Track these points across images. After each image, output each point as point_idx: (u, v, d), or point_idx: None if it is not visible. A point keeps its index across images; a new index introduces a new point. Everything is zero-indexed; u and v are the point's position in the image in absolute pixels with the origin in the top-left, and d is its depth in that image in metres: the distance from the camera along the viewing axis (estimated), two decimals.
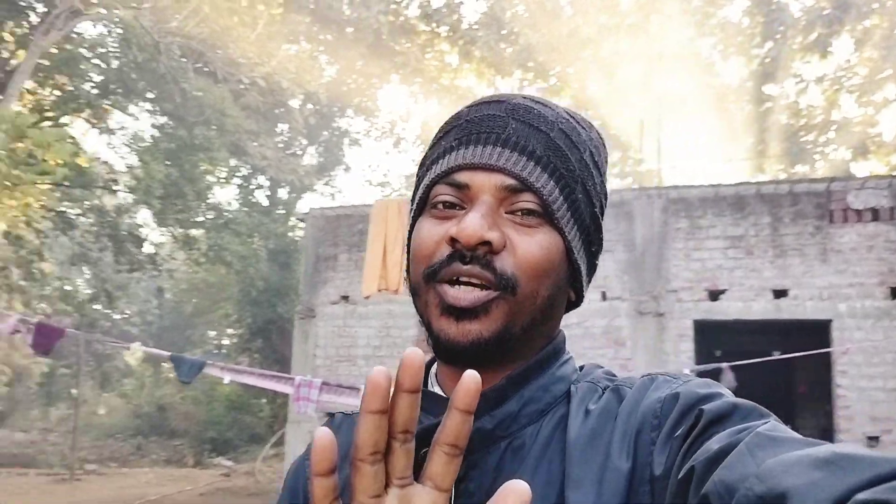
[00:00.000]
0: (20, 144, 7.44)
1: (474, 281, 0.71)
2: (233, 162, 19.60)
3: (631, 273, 9.76)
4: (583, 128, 0.81)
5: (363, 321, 9.88)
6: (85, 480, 15.39)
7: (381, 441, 0.48)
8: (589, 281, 0.84)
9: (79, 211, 14.18)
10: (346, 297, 10.07)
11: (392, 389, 0.49)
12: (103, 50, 15.45)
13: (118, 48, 15.11)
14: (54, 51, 13.87)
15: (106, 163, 15.11)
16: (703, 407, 0.63)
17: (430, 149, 0.82)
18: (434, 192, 0.76)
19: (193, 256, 15.75)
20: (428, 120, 27.26)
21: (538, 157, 0.75)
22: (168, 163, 14.24)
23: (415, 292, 0.77)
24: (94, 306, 19.67)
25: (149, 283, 22.92)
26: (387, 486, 0.49)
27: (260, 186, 22.93)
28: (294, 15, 21.29)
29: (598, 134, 0.84)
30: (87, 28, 15.92)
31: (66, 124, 14.88)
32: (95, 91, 15.30)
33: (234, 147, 16.85)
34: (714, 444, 0.58)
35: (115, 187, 14.21)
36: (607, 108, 21.71)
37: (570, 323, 9.78)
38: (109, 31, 15.44)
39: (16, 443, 21.49)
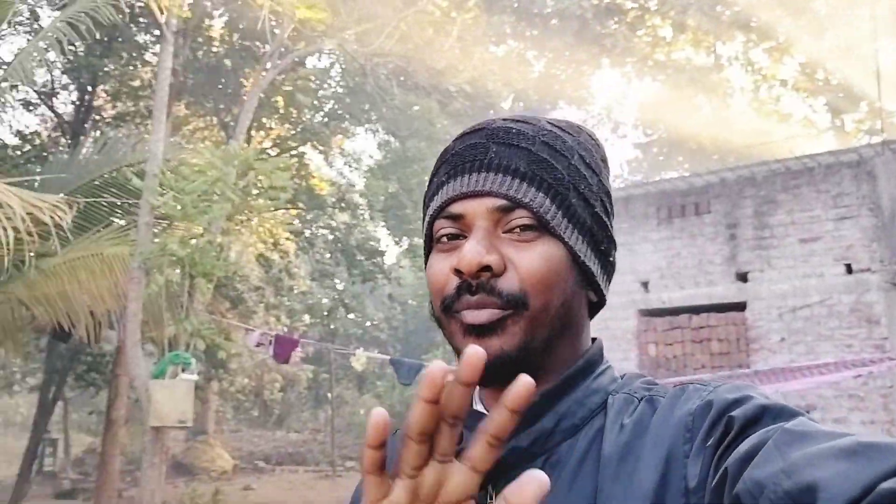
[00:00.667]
0: (256, 178, 8.28)
1: (483, 307, 0.73)
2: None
3: (880, 240, 8.59)
4: (569, 134, 0.82)
5: None
6: (345, 476, 16.76)
7: (430, 426, 0.51)
8: (608, 279, 0.84)
9: (316, 231, 15.52)
10: None
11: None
12: (327, 80, 16.78)
13: (337, 77, 16.31)
14: (288, 88, 15.30)
15: (335, 184, 16.40)
16: (732, 414, 0.64)
17: (427, 187, 0.85)
18: (436, 227, 0.80)
19: (418, 263, 16.54)
20: (646, 100, 26.23)
21: (522, 173, 0.77)
22: (391, 177, 15.10)
23: (439, 324, 0.79)
24: (349, 316, 21.26)
25: (382, 290, 24.48)
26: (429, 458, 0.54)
27: None
28: (497, 17, 21.59)
29: (590, 135, 0.85)
30: (313, 61, 17.40)
31: (303, 154, 16.37)
32: (325, 119, 16.65)
33: None
34: (745, 445, 0.59)
35: (344, 205, 15.38)
36: (844, 61, 19.38)
37: (811, 302, 8.83)
38: (332, 63, 16.75)
39: (290, 443, 23.97)
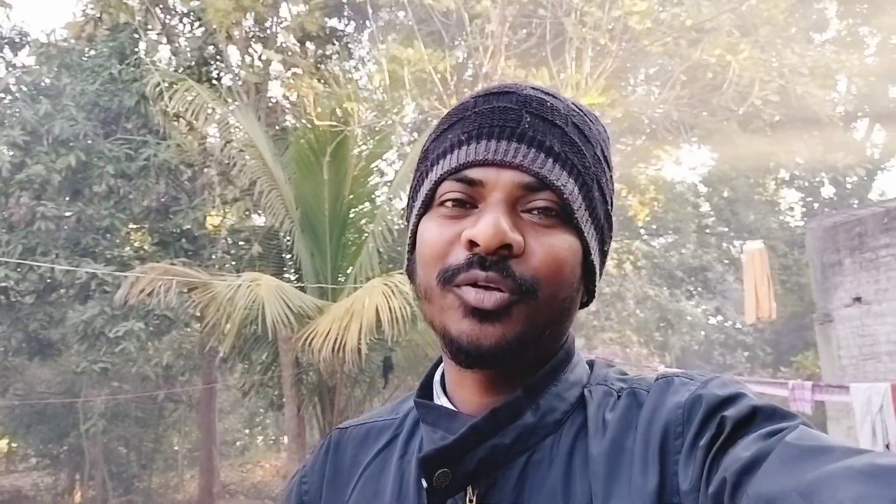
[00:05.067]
0: None
1: (492, 286, 0.67)
2: (783, 173, 20.28)
3: None
4: (591, 121, 0.77)
5: (880, 319, 10.08)
6: None
7: None
8: (600, 280, 0.79)
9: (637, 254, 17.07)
10: (857, 299, 10.41)
11: None
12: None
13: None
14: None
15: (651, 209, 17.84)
16: (724, 414, 0.62)
17: (432, 142, 0.77)
18: (441, 189, 0.72)
19: (738, 275, 17.15)
20: None
21: (556, 153, 0.71)
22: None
23: (426, 297, 0.72)
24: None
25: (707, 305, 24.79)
26: None
27: (821, 184, 22.86)
28: (818, 4, 20.85)
29: (604, 127, 0.80)
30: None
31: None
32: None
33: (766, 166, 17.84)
34: (742, 451, 0.57)
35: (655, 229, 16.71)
36: None
37: None
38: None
39: None
